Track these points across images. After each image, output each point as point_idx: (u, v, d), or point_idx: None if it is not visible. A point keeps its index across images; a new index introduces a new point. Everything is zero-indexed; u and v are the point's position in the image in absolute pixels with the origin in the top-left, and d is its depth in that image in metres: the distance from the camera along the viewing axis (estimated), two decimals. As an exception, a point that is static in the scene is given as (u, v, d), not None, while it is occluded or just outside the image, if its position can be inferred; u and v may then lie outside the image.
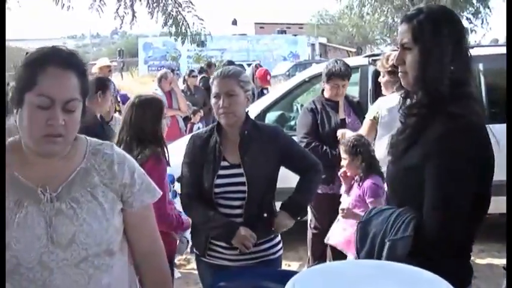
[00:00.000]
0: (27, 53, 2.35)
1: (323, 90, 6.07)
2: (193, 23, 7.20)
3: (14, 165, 2.18)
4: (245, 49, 53.40)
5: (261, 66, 13.24)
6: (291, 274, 1.93)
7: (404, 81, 2.61)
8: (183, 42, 7.78)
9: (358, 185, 5.11)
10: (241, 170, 3.75)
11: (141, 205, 2.36)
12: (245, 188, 3.73)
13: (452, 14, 2.61)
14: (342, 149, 5.23)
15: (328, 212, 5.67)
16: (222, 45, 52.27)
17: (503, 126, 3.19)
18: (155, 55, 50.30)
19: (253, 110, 7.27)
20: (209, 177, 3.77)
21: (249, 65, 35.42)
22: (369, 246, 2.53)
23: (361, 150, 5.08)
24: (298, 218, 4.02)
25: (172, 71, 10.94)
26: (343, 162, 5.20)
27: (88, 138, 2.37)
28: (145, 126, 4.35)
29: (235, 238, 3.65)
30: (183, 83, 11.80)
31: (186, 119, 10.44)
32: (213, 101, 3.82)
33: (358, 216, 4.47)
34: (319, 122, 5.83)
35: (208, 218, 3.74)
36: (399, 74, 2.63)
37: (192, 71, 12.73)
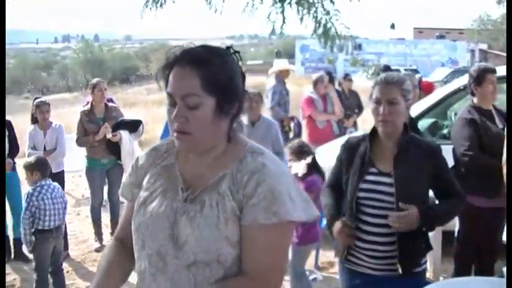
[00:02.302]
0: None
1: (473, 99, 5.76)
2: (341, 31, 7.22)
3: (179, 159, 2.31)
4: (402, 53, 52.67)
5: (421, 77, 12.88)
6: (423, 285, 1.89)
7: None
8: (331, 50, 7.81)
9: (301, 180, 5.75)
10: (390, 180, 3.62)
11: (252, 222, 2.11)
12: (392, 199, 3.58)
13: None
14: (289, 151, 6.01)
15: (486, 226, 5.48)
16: (379, 49, 51.92)
17: None
18: (312, 57, 50.63)
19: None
20: (354, 180, 3.72)
21: (406, 70, 35.05)
22: None
23: (308, 151, 5.96)
24: (419, 228, 3.61)
25: (330, 74, 10.93)
26: (290, 163, 5.89)
27: (250, 144, 2.29)
28: None
29: (334, 229, 3.72)
30: (338, 86, 11.79)
31: (339, 123, 10.40)
32: (373, 106, 3.72)
33: None
34: (481, 133, 5.50)
35: (327, 204, 3.91)
36: None
37: (347, 74, 12.67)
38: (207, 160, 2.23)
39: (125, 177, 2.56)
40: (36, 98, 8.30)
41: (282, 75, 11.05)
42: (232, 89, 2.17)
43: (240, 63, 2.26)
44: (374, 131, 3.78)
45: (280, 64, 12.52)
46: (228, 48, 2.25)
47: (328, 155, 4.44)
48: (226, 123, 2.20)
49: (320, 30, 7.01)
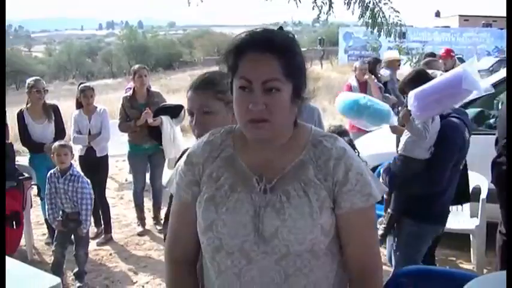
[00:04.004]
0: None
1: None
2: (390, 15, 7.11)
3: (237, 150, 2.24)
4: (447, 42, 51.84)
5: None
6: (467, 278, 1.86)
7: None
8: (379, 35, 7.70)
9: None
10: None
11: (351, 208, 2.12)
12: None
13: None
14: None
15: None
16: (424, 38, 51.29)
17: None
18: (355, 45, 50.10)
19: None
20: None
21: (451, 58, 34.44)
22: None
23: (345, 133, 5.46)
24: None
25: (376, 61, 10.87)
26: None
27: (313, 128, 2.27)
28: None
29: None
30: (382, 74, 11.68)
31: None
32: (189, 118, 3.05)
33: None
34: None
35: None
36: None
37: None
38: (273, 147, 2.19)
39: (166, 166, 2.43)
40: (81, 83, 8.39)
41: (392, 65, 11.11)
42: (304, 74, 2.16)
43: None
44: None
45: (390, 54, 12.69)
46: (280, 28, 2.22)
47: (365, 146, 4.45)
48: (297, 109, 2.17)
49: (367, 15, 6.92)
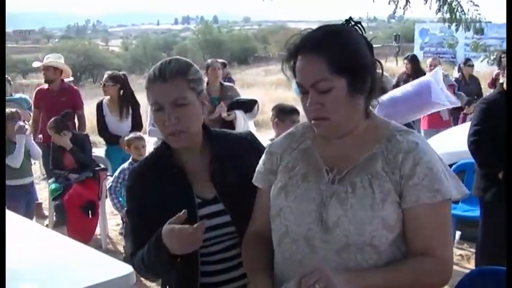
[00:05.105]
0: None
1: None
2: (468, 9, 6.94)
3: (316, 142, 2.27)
4: (527, 39, 50.70)
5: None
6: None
7: None
8: (456, 29, 7.53)
9: None
10: (221, 206, 2.58)
11: (416, 203, 2.05)
12: (233, 229, 2.56)
13: None
14: None
15: None
16: (503, 34, 49.89)
17: None
18: (431, 41, 49.30)
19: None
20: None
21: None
22: None
23: None
24: None
25: (437, 56, 10.84)
26: None
27: (393, 123, 2.24)
28: None
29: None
30: (458, 72, 11.51)
31: (459, 109, 10.10)
32: (154, 115, 2.57)
33: None
34: None
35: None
36: None
37: (468, 59, 12.35)
38: (348, 140, 2.19)
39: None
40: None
41: None
42: (361, 64, 2.10)
43: (363, 34, 2.20)
44: (168, 147, 2.66)
45: None
46: (348, 21, 2.20)
47: (441, 144, 4.38)
48: (362, 101, 2.15)
49: (445, 9, 6.79)
